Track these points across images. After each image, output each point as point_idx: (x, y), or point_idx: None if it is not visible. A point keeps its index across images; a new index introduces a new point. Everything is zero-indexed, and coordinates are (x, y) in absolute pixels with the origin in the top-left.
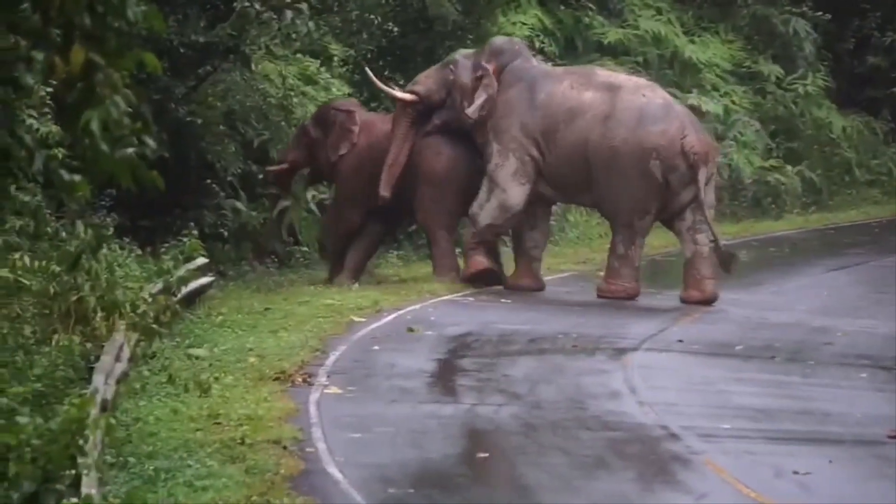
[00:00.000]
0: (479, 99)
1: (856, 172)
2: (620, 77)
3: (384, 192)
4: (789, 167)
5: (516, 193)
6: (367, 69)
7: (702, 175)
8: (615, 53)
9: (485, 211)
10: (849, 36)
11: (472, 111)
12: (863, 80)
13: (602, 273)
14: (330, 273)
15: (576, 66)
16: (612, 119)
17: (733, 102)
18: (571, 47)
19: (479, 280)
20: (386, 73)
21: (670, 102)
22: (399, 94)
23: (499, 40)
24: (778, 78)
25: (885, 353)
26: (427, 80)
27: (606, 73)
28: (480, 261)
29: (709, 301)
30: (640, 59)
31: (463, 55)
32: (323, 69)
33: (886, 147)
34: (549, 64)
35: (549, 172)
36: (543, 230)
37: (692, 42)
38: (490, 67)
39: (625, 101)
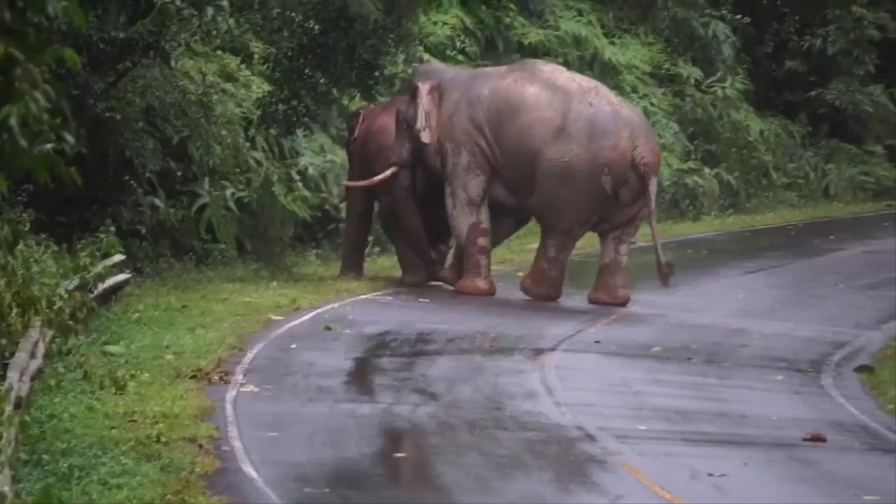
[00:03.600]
0: (419, 117)
1: (773, 175)
2: (563, 76)
3: None
4: (707, 169)
5: (474, 185)
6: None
7: (652, 185)
8: (536, 54)
9: (457, 219)
10: (767, 39)
11: (420, 133)
12: (781, 84)
13: (521, 273)
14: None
15: (517, 63)
16: (563, 133)
17: (652, 104)
18: (492, 47)
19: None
20: (307, 71)
21: (618, 108)
22: (382, 176)
23: (420, 67)
24: (697, 80)
25: (801, 355)
26: (394, 148)
27: (549, 70)
28: (479, 285)
29: (618, 305)
30: (561, 59)
31: (401, 102)
32: (243, 66)
33: (803, 150)
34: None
35: (500, 168)
36: (494, 232)
37: (612, 44)
38: (425, 86)
39: (574, 111)
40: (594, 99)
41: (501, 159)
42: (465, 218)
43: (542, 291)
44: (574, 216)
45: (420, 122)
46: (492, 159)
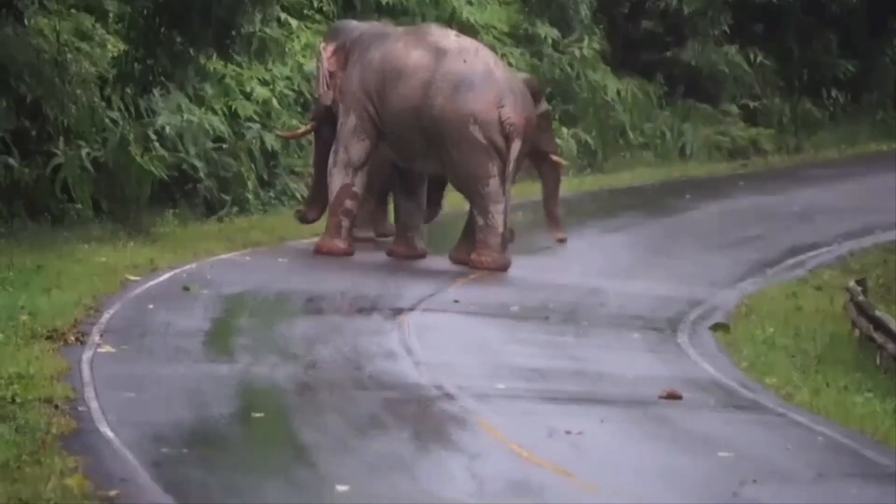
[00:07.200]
0: (319, 79)
1: (630, 135)
2: (449, 40)
3: None
4: (565, 129)
5: (357, 150)
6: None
7: (514, 148)
8: (394, 14)
9: (333, 176)
10: (624, 0)
11: (321, 95)
12: (637, 44)
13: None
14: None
15: (413, 27)
16: (431, 87)
17: (511, 65)
18: (350, 7)
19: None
20: (163, 30)
21: (492, 69)
22: (303, 130)
23: (334, 24)
24: (554, 41)
25: (658, 314)
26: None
27: (439, 34)
28: (337, 245)
29: (502, 268)
30: (419, 20)
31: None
32: (98, 25)
33: (660, 111)
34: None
35: (387, 133)
36: (418, 199)
37: (470, 3)
38: (328, 47)
39: (445, 67)
40: (470, 58)
41: (388, 122)
42: (339, 178)
43: (488, 261)
44: (467, 174)
45: (319, 86)
46: (378, 125)
